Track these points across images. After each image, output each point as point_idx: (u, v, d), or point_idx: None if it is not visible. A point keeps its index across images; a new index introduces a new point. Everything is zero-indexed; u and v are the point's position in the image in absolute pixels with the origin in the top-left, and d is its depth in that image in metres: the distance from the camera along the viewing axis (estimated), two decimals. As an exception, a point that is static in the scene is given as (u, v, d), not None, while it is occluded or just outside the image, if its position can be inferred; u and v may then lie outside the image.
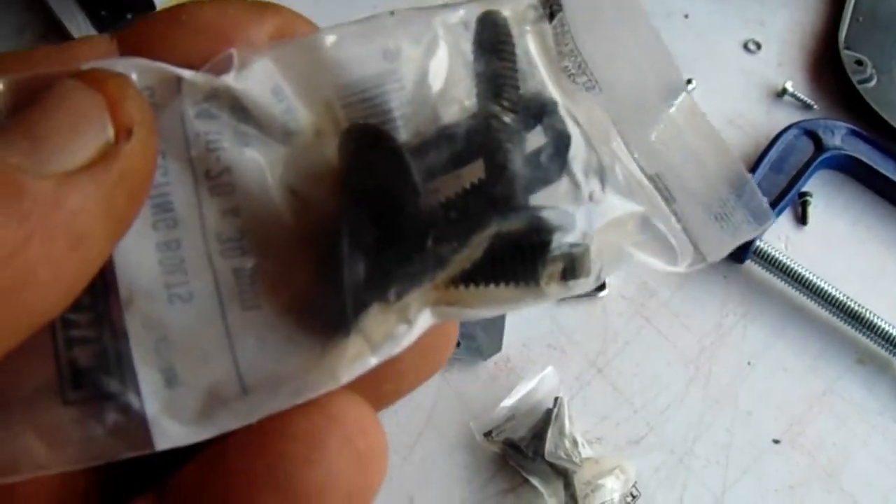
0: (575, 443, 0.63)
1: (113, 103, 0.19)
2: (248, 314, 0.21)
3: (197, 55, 0.22)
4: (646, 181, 0.25)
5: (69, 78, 0.19)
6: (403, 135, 0.22)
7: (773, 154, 0.72)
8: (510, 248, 0.22)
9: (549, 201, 0.23)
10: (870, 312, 0.66)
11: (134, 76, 0.21)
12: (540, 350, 0.66)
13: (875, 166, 0.72)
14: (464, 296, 0.22)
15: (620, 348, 0.67)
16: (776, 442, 0.65)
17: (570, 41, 0.24)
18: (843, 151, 0.72)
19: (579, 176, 0.23)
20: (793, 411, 0.66)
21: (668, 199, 0.25)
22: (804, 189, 0.72)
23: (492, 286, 0.22)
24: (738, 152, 0.74)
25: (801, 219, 0.72)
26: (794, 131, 0.73)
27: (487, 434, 0.63)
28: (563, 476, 0.61)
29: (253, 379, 0.20)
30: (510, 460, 0.63)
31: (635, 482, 0.62)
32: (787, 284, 0.68)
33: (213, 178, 0.21)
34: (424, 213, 0.21)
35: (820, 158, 0.72)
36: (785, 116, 0.75)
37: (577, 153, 0.23)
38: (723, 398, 0.66)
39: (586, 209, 0.23)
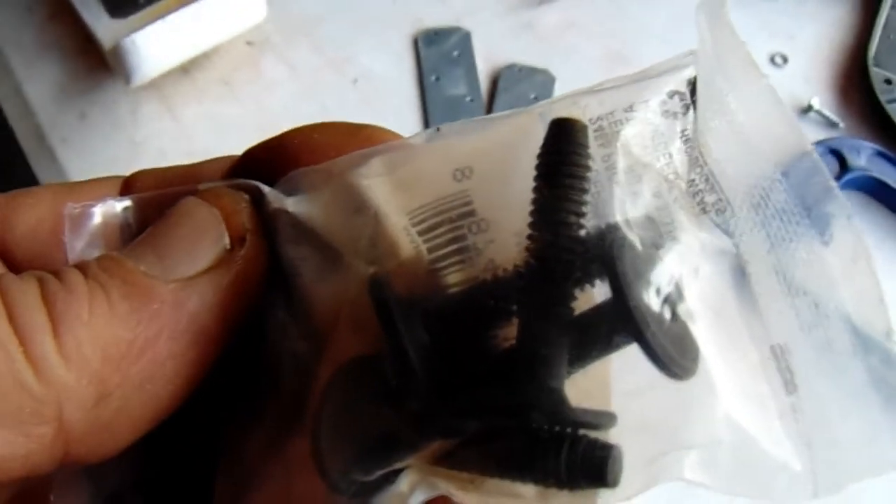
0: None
1: (228, 215, 0.21)
2: (288, 440, 0.21)
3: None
4: (762, 358, 0.18)
5: (190, 196, 0.21)
6: (475, 269, 0.19)
7: (796, 172, 0.70)
8: (515, 438, 0.18)
9: (597, 380, 0.18)
10: (888, 340, 0.64)
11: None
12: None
13: (900, 188, 0.70)
14: (456, 477, 0.18)
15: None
16: (788, 469, 0.63)
17: (695, 146, 0.19)
18: (867, 173, 0.70)
19: (650, 351, 0.17)
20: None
21: (788, 386, 0.19)
22: (827, 209, 0.70)
23: (486, 476, 0.18)
24: (761, 168, 0.72)
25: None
26: (818, 150, 0.71)
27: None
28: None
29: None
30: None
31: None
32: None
33: (295, 301, 0.21)
34: (402, 388, 0.18)
35: (844, 179, 0.70)
36: (810, 133, 0.73)
37: (646, 324, 0.17)
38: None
39: (646, 397, 0.17)
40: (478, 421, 0.18)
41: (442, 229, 0.19)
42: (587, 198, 0.18)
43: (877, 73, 0.74)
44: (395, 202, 0.20)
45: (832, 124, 0.73)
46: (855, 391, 0.19)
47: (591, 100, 0.19)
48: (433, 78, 0.73)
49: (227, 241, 0.21)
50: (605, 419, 0.18)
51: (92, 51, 0.74)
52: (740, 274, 0.19)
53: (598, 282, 0.18)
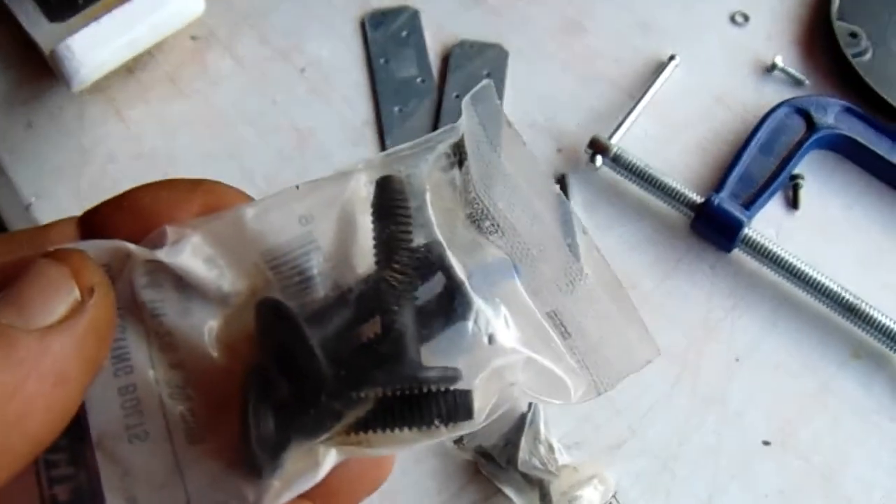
0: (551, 449, 0.59)
1: (76, 271, 0.24)
2: (194, 448, 0.25)
3: (140, 234, 0.26)
4: (542, 320, 0.28)
5: (41, 258, 0.24)
6: (321, 290, 0.26)
7: (761, 135, 0.68)
8: (401, 399, 0.25)
9: (446, 346, 0.26)
10: (865, 304, 0.62)
11: (92, 253, 0.25)
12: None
13: (870, 146, 0.67)
14: (365, 438, 0.26)
15: (600, 346, 0.63)
16: (766, 444, 0.61)
17: (472, 188, 0.28)
18: (836, 131, 0.68)
19: (474, 320, 0.26)
20: (784, 411, 0.62)
21: (564, 335, 0.28)
22: (795, 171, 0.68)
23: (388, 431, 0.25)
24: (725, 132, 0.70)
25: (793, 203, 0.67)
26: (784, 109, 0.68)
27: (458, 441, 0.60)
28: (539, 486, 0.58)
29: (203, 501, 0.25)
30: (482, 469, 0.59)
31: (615, 492, 0.58)
32: (777, 274, 0.64)
33: (160, 337, 0.26)
34: (318, 375, 0.24)
35: (812, 138, 0.67)
36: (775, 93, 0.71)
37: (473, 300, 0.26)
38: (710, 398, 0.62)
39: (478, 353, 0.26)
40: (372, 393, 0.25)
41: (292, 263, 0.26)
42: (412, 228, 0.26)
43: (841, 27, 0.71)
44: (249, 247, 0.26)
45: (798, 82, 0.71)
46: (611, 327, 0.28)
47: (397, 161, 0.27)
48: (382, 61, 0.71)
49: (77, 293, 0.24)
50: (455, 374, 0.26)
51: (35, 57, 0.72)
52: (514, 269, 0.28)
53: (427, 282, 0.27)
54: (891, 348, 0.62)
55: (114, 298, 0.25)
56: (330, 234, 0.26)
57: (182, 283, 0.25)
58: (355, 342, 0.25)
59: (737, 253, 0.65)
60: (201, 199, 0.27)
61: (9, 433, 0.22)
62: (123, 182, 0.70)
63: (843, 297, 0.62)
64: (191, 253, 0.25)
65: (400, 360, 0.25)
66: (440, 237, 0.26)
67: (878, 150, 0.67)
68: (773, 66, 0.71)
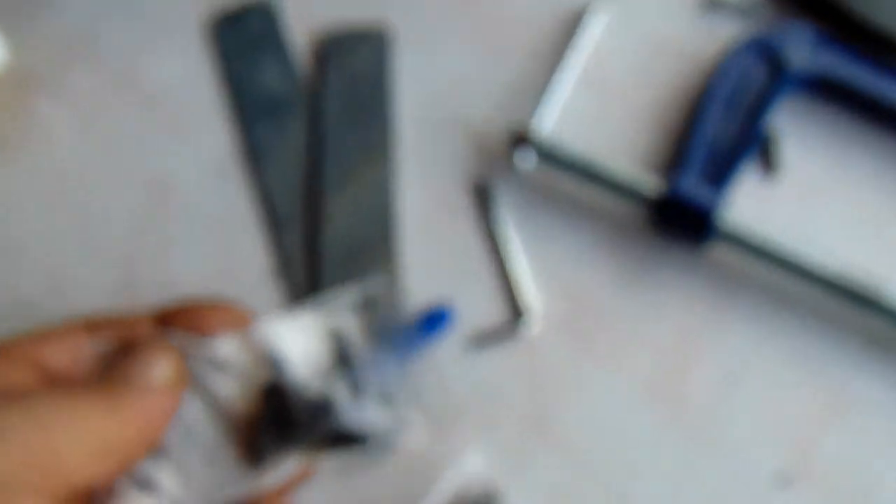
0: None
1: (176, 360, 0.39)
2: (221, 451, 0.41)
3: (191, 330, 0.42)
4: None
5: (148, 343, 0.39)
6: (294, 383, 0.41)
7: (721, 89, 0.54)
8: (333, 438, 0.41)
9: (358, 413, 0.41)
10: (880, 283, 0.50)
11: (175, 342, 0.40)
12: (460, 425, 0.50)
13: (855, 82, 0.54)
14: (314, 452, 0.41)
15: (561, 396, 0.51)
16: (781, 478, 0.49)
17: (370, 325, 0.44)
18: (810, 69, 0.55)
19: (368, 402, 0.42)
20: (797, 433, 0.50)
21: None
22: (768, 128, 0.55)
23: (326, 450, 0.41)
24: (675, 92, 0.56)
25: (771, 167, 0.55)
26: (743, 51, 0.55)
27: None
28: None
29: (228, 482, 0.41)
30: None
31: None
32: (766, 264, 0.51)
33: (206, 394, 0.41)
34: (295, 421, 0.40)
35: (782, 83, 0.54)
36: (726, 31, 0.57)
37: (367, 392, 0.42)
38: (702, 432, 0.50)
39: (370, 415, 0.42)
40: (319, 433, 0.41)
41: (281, 364, 0.41)
42: (345, 348, 0.43)
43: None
44: (256, 348, 0.41)
45: (749, 13, 0.57)
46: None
47: (330, 314, 0.43)
48: (240, 72, 0.57)
49: (173, 369, 0.39)
50: (361, 428, 0.41)
51: None
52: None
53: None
54: (918, 333, 0.50)
55: (187, 374, 0.39)
56: (300, 346, 0.41)
57: (220, 364, 0.40)
58: (315, 407, 0.40)
59: (714, 246, 0.53)
60: (224, 315, 0.41)
61: (149, 433, 0.37)
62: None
63: (851, 281, 0.50)
64: (226, 349, 0.40)
65: (334, 419, 0.40)
66: (359, 355, 0.42)
67: (864, 86, 0.54)
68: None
